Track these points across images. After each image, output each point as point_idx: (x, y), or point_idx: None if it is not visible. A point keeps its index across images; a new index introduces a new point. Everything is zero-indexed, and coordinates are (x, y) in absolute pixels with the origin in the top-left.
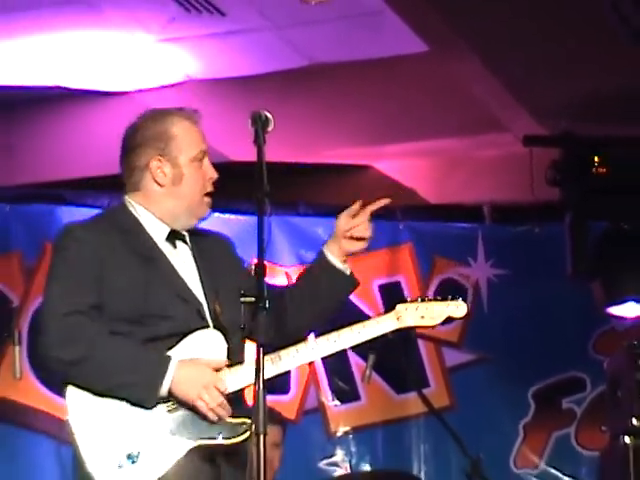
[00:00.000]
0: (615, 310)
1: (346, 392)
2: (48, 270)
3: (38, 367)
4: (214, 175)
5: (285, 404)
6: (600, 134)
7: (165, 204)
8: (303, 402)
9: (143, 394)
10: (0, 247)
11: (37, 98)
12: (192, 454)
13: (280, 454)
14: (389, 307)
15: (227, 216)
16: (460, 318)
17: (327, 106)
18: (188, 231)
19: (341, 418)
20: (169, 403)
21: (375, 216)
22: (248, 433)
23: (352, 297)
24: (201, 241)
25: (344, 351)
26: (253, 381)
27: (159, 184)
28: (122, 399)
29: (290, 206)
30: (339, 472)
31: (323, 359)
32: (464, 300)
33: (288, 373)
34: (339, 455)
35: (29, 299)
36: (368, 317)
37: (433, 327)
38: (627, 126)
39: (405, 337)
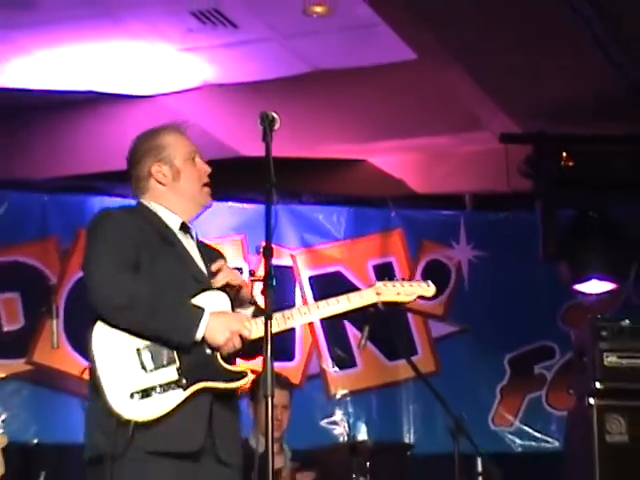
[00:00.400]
0: (581, 287)
1: (344, 360)
2: (89, 244)
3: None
4: (208, 169)
5: (290, 370)
6: (568, 132)
7: (171, 199)
8: (306, 368)
9: (182, 338)
10: (39, 232)
11: (73, 101)
12: (195, 395)
13: (288, 415)
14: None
15: (239, 204)
16: (430, 297)
17: (327, 107)
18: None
19: (340, 382)
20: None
21: (370, 205)
22: (245, 380)
23: (350, 276)
24: (202, 244)
25: (342, 324)
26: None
27: (162, 184)
28: (162, 341)
29: (294, 195)
30: (338, 430)
31: (324, 331)
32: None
33: (293, 343)
34: (338, 415)
35: (65, 277)
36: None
37: (406, 303)
38: (591, 126)
39: (396, 311)
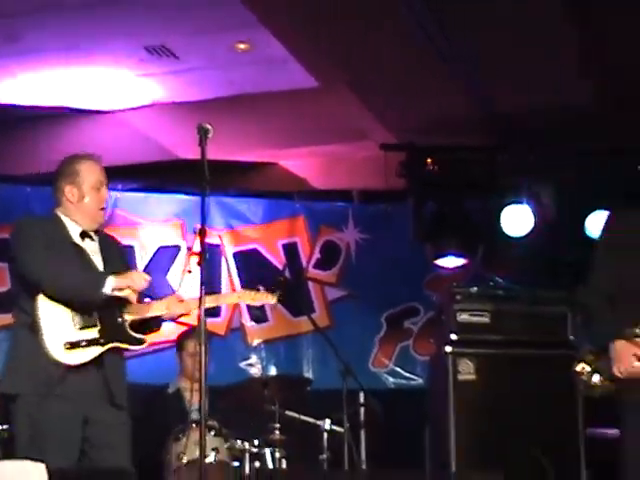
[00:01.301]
0: (440, 262)
1: (259, 316)
2: (18, 243)
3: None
4: (106, 197)
5: (218, 324)
6: (432, 143)
7: (76, 214)
8: (230, 323)
9: (93, 297)
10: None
11: (51, 115)
12: (111, 350)
13: (207, 360)
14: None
15: (179, 196)
16: (272, 304)
17: (250, 122)
18: (97, 232)
19: (255, 334)
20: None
21: (280, 198)
22: (143, 344)
23: (264, 252)
24: (104, 239)
25: (259, 289)
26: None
27: (70, 202)
28: (80, 300)
29: (222, 190)
30: (253, 370)
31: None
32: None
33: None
34: (254, 359)
35: None
36: (275, 267)
37: (254, 305)
38: (450, 137)
39: (299, 280)
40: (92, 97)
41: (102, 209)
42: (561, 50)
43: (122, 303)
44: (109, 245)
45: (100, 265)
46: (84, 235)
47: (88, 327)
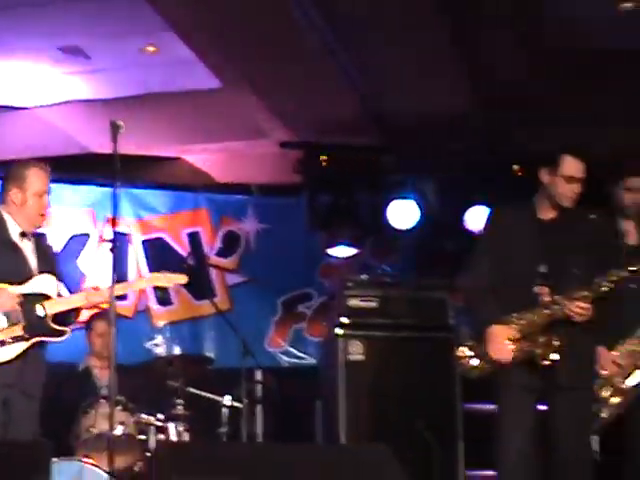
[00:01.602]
0: (332, 251)
1: (164, 299)
2: None
3: None
4: (46, 205)
5: (125, 307)
6: (326, 142)
7: (18, 215)
8: (137, 305)
9: None
10: None
11: None
12: (35, 345)
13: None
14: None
15: (91, 187)
16: (180, 284)
17: (157, 119)
18: (34, 234)
19: (161, 316)
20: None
21: (184, 190)
22: (65, 335)
23: (170, 240)
24: (39, 241)
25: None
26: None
27: (14, 203)
28: None
29: (131, 181)
30: (159, 350)
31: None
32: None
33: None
34: (159, 339)
35: None
36: (180, 255)
37: (164, 287)
38: (343, 136)
39: (202, 266)
40: (8, 93)
41: (42, 215)
42: (439, 55)
43: (44, 299)
44: (43, 247)
45: (34, 264)
46: (23, 235)
47: (13, 325)
